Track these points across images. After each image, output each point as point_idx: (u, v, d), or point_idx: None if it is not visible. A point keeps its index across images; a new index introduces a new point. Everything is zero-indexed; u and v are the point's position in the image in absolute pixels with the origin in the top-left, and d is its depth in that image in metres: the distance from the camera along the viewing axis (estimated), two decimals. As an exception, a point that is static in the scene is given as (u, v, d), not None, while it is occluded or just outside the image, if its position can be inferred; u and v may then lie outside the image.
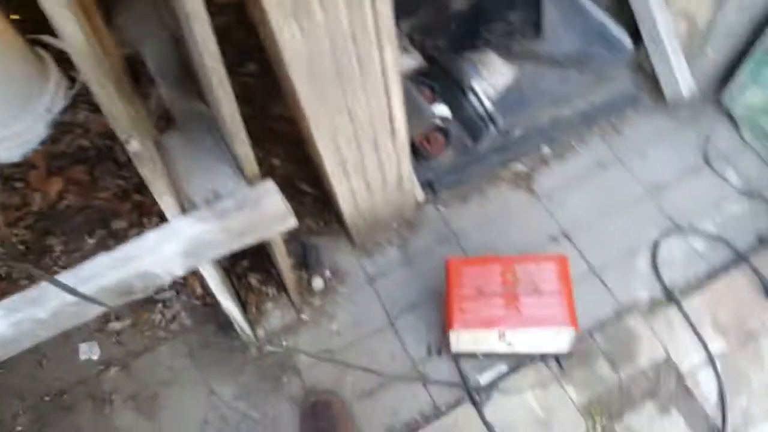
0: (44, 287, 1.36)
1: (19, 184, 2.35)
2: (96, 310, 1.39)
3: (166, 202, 1.40)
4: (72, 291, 1.21)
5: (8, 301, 1.35)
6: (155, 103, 1.68)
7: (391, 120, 1.79)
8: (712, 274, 2.27)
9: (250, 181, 1.48)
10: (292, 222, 1.51)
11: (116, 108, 1.17)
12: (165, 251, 1.41)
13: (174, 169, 1.51)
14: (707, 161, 2.49)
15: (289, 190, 2.40)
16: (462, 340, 2.02)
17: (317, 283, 2.25)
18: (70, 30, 1.03)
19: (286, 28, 1.34)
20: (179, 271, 1.47)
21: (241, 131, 1.34)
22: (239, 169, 1.50)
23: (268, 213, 1.46)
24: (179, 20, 1.27)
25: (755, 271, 2.24)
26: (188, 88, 1.63)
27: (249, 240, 1.50)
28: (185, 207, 1.47)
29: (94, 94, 1.16)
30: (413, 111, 2.18)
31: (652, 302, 2.23)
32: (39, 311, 1.34)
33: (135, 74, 1.78)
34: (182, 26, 1.25)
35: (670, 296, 2.23)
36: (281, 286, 2.18)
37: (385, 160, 1.94)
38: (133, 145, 1.23)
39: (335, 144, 1.76)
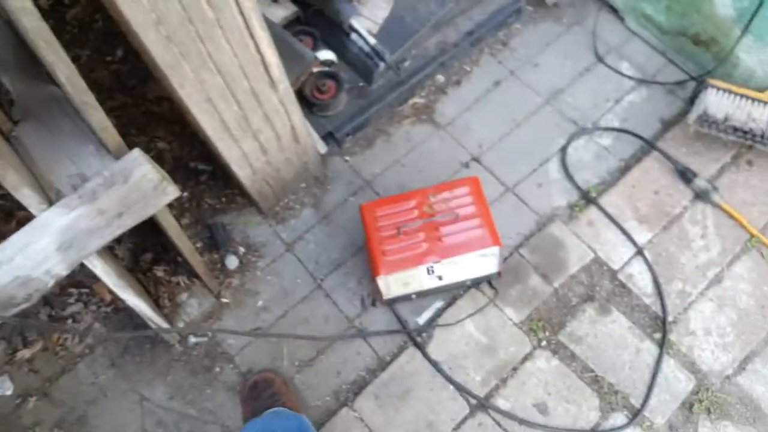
0: None
1: None
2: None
3: (25, 196, 1.25)
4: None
5: None
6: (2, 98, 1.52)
7: (266, 68, 1.67)
8: (624, 168, 2.26)
9: (115, 155, 1.34)
10: (171, 191, 1.39)
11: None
12: (37, 249, 1.26)
13: (33, 160, 1.36)
14: (599, 58, 2.47)
15: (182, 171, 2.28)
16: (392, 284, 1.94)
17: (231, 261, 2.12)
18: None
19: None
20: (61, 270, 1.33)
21: (86, 95, 1.19)
22: (103, 146, 1.35)
23: (142, 185, 1.33)
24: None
25: (665, 155, 2.23)
26: (33, 72, 1.47)
27: (131, 220, 1.37)
28: (52, 198, 1.32)
29: None
30: (293, 57, 2.07)
31: (570, 207, 2.20)
32: None
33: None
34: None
35: (587, 197, 2.21)
36: (193, 274, 2.05)
37: (272, 113, 1.82)
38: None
39: (211, 105, 1.63)
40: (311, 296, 2.11)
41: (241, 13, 1.48)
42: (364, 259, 2.15)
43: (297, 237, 2.20)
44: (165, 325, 1.89)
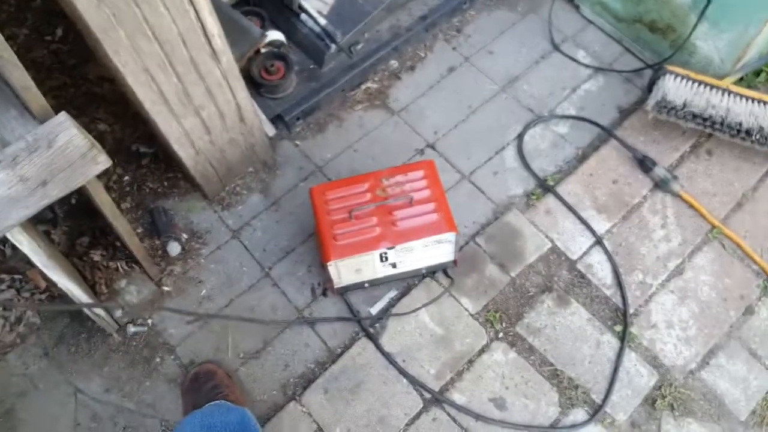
0: None
1: None
2: None
3: (-65, 160, 1.14)
4: None
5: None
6: None
7: (208, 37, 1.58)
8: (582, 156, 2.23)
9: (40, 119, 1.25)
10: (102, 160, 1.29)
11: None
12: (-51, 220, 1.16)
13: (-52, 126, 1.26)
14: (555, 46, 2.44)
15: (124, 154, 2.18)
16: (343, 271, 1.87)
17: (173, 248, 2.03)
18: None
19: None
20: (-21, 243, 1.22)
21: (3, 50, 1.09)
22: (27, 111, 1.25)
23: (68, 152, 1.23)
24: None
25: (622, 143, 2.20)
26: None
27: (57, 190, 1.27)
28: (-32, 165, 1.22)
29: None
30: (239, 33, 2.00)
31: (527, 196, 2.16)
32: None
33: None
34: None
35: (545, 186, 2.16)
36: (132, 259, 1.94)
37: (215, 88, 1.74)
38: None
39: (148, 75, 1.54)
40: (258, 285, 2.02)
41: (180, -26, 1.40)
42: (314, 246, 2.07)
43: (243, 223, 2.12)
44: (103, 313, 1.79)
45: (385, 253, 1.83)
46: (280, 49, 2.23)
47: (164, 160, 2.17)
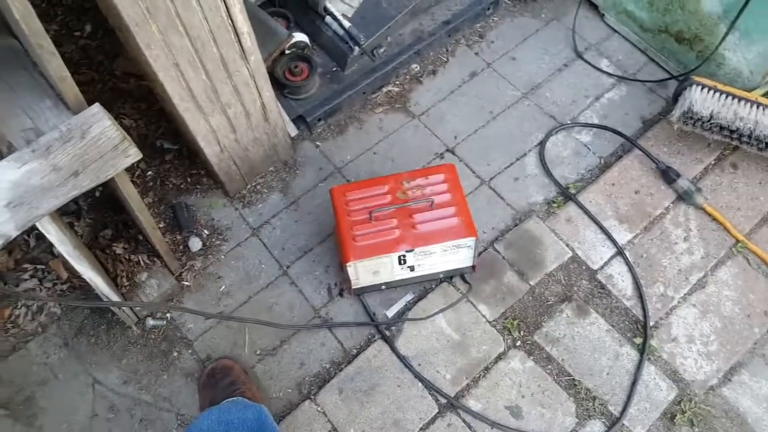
0: None
1: None
2: None
3: (-30, 146, 1.17)
4: None
5: None
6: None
7: (237, 35, 1.60)
8: (604, 165, 2.22)
9: (74, 110, 1.27)
10: (133, 152, 1.31)
11: None
12: (-16, 205, 1.18)
13: (-16, 114, 1.28)
14: (578, 54, 2.44)
15: (148, 149, 2.20)
16: (361, 273, 1.87)
17: (194, 243, 2.05)
18: None
19: None
20: (10, 230, 1.24)
21: (43, 39, 1.12)
22: (61, 101, 1.28)
23: (101, 143, 1.25)
24: None
25: (645, 153, 2.19)
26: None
27: (88, 181, 1.29)
28: (3, 152, 1.24)
29: None
30: (266, 33, 2.01)
31: (548, 203, 2.15)
32: None
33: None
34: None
35: (566, 194, 2.15)
36: (154, 253, 1.96)
37: (242, 87, 1.76)
38: None
39: (178, 70, 1.56)
40: (276, 283, 2.03)
41: (213, -29, 1.42)
42: (331, 247, 2.08)
43: (263, 222, 2.13)
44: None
45: (404, 256, 1.83)
46: (304, 50, 2.24)
47: (188, 156, 2.19)
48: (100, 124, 1.24)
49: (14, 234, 1.26)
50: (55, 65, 1.18)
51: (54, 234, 1.43)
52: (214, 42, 1.57)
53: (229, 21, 1.55)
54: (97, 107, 1.26)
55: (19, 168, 1.20)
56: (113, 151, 1.28)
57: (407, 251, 1.81)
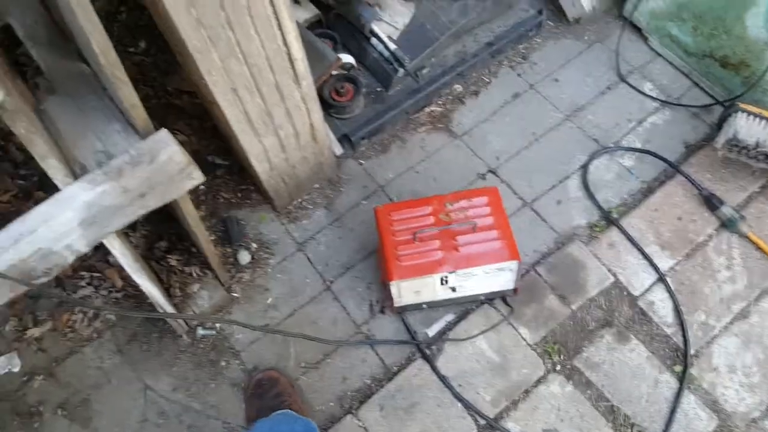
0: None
1: None
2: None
3: (52, 166, 1.25)
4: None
5: None
6: (32, 73, 1.52)
7: (292, 62, 1.67)
8: (647, 190, 2.22)
9: (142, 135, 1.34)
10: (197, 176, 1.39)
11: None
12: (60, 222, 1.26)
13: (59, 134, 1.36)
14: (621, 77, 2.45)
15: (200, 165, 2.25)
16: (404, 292, 1.91)
17: (243, 256, 2.12)
18: None
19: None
20: (82, 246, 1.32)
21: (118, 69, 1.19)
22: (130, 125, 1.35)
23: (168, 167, 1.33)
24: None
25: (689, 178, 2.18)
26: (64, 49, 1.48)
27: (154, 201, 1.37)
28: (76, 173, 1.32)
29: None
30: (315, 56, 2.08)
31: (591, 227, 2.16)
32: None
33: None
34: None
35: (609, 218, 2.16)
36: (206, 265, 2.04)
37: (294, 110, 1.83)
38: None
39: (236, 95, 1.63)
40: (320, 298, 2.09)
41: (272, 3, 1.48)
42: (373, 264, 2.13)
43: (308, 237, 2.19)
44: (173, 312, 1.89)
45: (446, 277, 1.86)
46: (349, 71, 2.31)
47: (237, 172, 2.27)
48: (168, 149, 1.32)
49: (85, 250, 1.35)
50: (127, 93, 1.26)
51: (117, 249, 1.52)
52: (270, 68, 1.64)
53: (285, 48, 1.62)
54: (164, 132, 1.34)
55: (92, 189, 1.28)
56: (179, 174, 1.36)
57: (449, 272, 1.84)
